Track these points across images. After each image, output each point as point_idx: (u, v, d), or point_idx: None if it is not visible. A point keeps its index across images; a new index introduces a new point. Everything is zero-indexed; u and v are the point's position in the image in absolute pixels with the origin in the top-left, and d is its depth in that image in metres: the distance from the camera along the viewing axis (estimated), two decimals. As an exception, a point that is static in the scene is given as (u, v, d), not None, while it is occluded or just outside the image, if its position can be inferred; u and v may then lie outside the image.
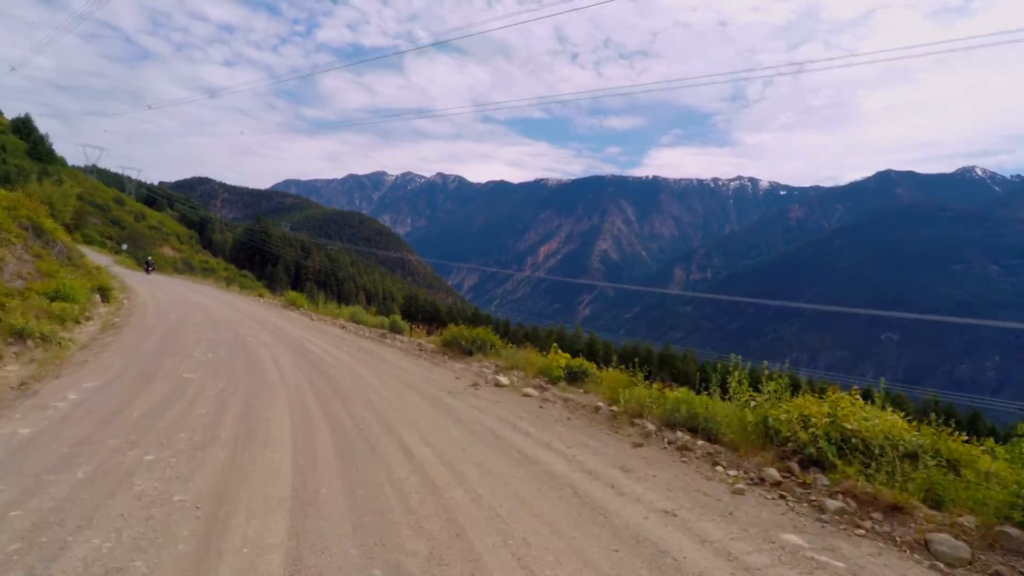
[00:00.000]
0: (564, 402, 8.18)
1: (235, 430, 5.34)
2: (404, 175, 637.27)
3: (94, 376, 7.34)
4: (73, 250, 21.73)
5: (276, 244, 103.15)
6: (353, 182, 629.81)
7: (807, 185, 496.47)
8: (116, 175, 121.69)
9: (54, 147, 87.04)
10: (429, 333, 15.50)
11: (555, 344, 9.54)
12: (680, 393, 6.68)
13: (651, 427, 6.58)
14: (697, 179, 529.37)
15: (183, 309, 17.45)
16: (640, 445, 6.09)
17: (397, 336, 15.34)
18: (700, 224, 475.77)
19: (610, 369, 8.96)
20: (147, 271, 36.59)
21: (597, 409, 7.60)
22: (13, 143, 77.24)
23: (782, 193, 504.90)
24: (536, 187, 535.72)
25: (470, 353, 12.06)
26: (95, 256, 37.62)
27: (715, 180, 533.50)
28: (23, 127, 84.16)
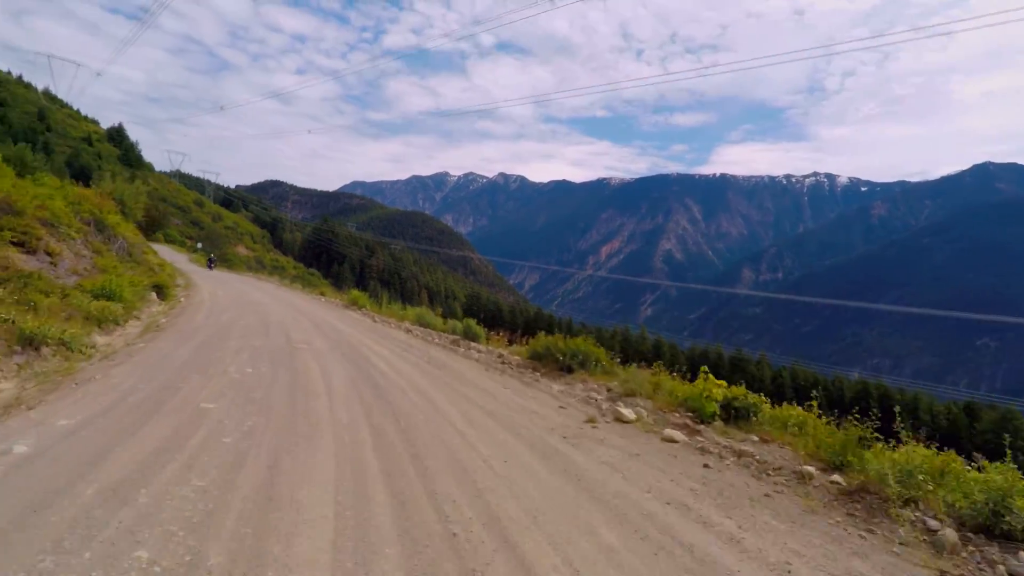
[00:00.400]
0: (738, 458, 5.45)
1: (237, 536, 3.00)
2: (466, 175, 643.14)
3: (84, 405, 5.32)
4: (135, 246, 20.91)
5: (342, 243, 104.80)
6: (416, 183, 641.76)
7: (891, 181, 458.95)
8: (197, 179, 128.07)
9: (143, 153, 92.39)
10: (511, 342, 13.04)
11: (704, 367, 6.80)
12: (999, 472, 3.81)
13: (945, 531, 3.75)
14: (768, 176, 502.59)
15: (238, 309, 15.89)
16: (954, 578, 3.30)
17: (472, 344, 13.00)
18: (771, 223, 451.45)
19: (795, 406, 6.12)
20: (209, 267, 36.73)
21: (808, 478, 4.82)
22: (108, 150, 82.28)
23: (863, 189, 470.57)
24: (598, 186, 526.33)
25: (568, 370, 9.49)
26: (171, 254, 37.97)
27: (788, 177, 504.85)
28: (116, 135, 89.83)
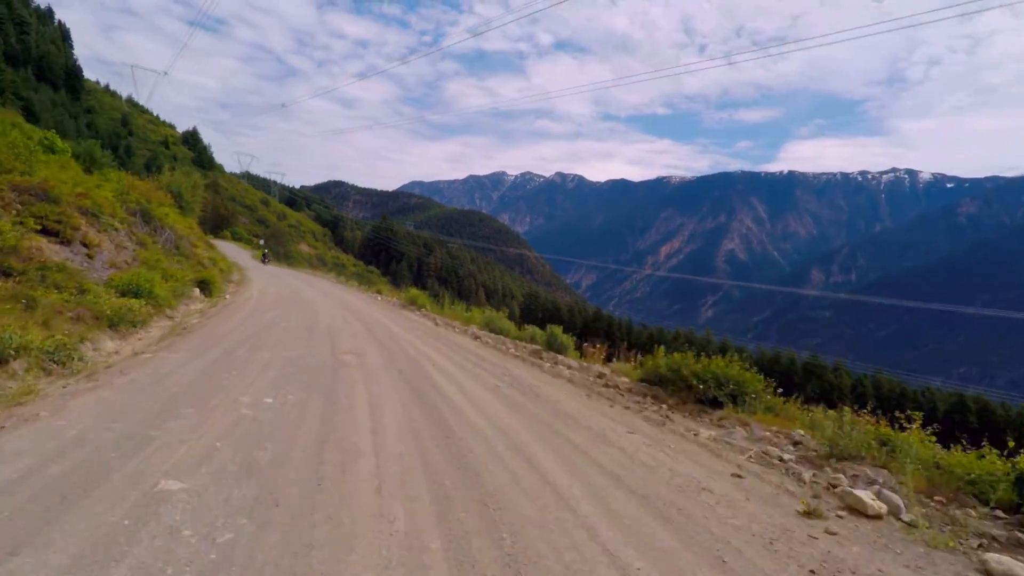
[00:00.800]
0: None
1: None
2: (523, 175, 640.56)
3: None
4: (183, 239, 19.61)
5: (401, 242, 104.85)
6: (474, 182, 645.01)
7: (982, 176, 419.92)
8: (264, 179, 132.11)
9: (214, 156, 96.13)
10: (610, 356, 10.28)
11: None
12: None
13: None
14: (841, 172, 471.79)
15: (284, 308, 13.96)
16: None
17: (558, 357, 10.36)
18: (844, 222, 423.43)
19: None
20: (263, 262, 36.40)
21: None
22: (183, 152, 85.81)
23: (949, 186, 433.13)
24: (658, 185, 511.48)
25: (715, 403, 6.68)
26: (236, 251, 37.52)
27: (863, 173, 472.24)
28: (191, 139, 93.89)
